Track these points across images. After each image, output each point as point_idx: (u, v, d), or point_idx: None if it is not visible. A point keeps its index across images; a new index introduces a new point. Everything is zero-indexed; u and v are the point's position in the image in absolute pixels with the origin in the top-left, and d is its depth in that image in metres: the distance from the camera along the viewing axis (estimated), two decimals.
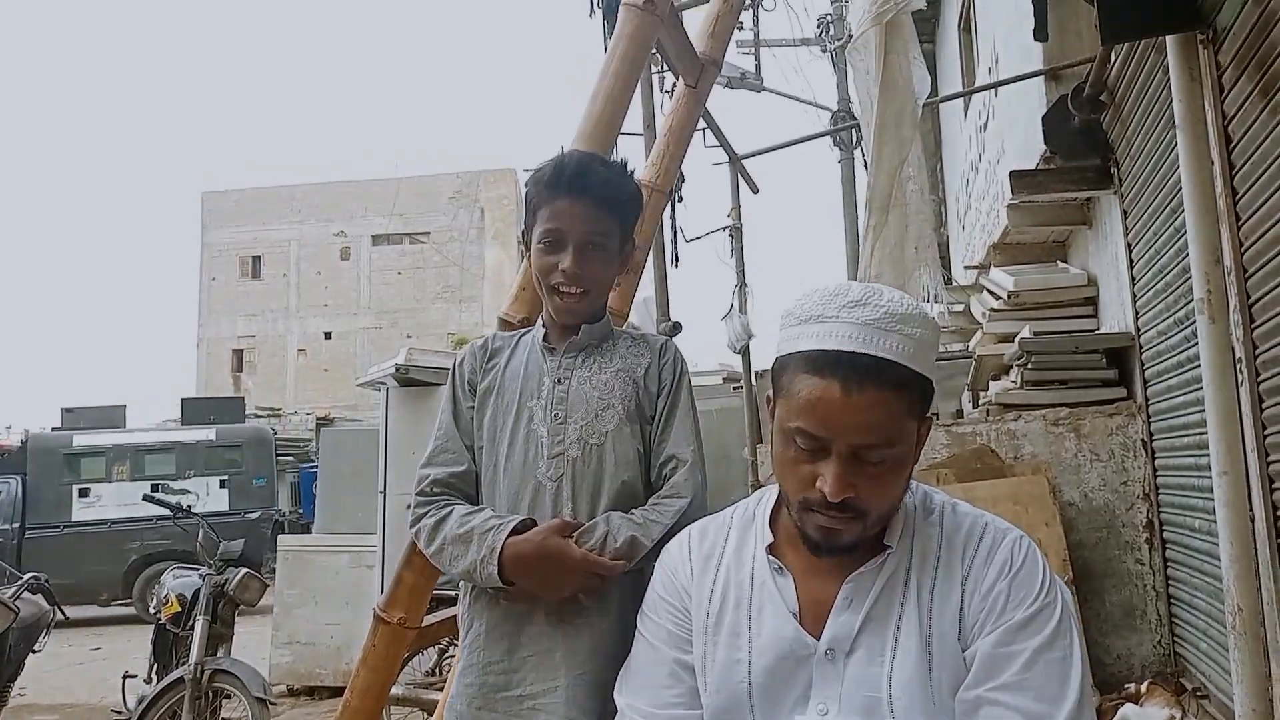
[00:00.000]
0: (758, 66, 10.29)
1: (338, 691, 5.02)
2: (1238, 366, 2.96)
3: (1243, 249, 2.92)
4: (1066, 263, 5.58)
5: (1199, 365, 3.13)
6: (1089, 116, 4.38)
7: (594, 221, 1.64)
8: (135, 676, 4.81)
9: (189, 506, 6.42)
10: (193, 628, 4.24)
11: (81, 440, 12.99)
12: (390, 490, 5.49)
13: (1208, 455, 3.08)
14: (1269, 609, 2.90)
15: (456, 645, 2.70)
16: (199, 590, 4.37)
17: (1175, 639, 4.29)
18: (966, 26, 7.98)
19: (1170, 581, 4.30)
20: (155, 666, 4.74)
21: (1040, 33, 4.62)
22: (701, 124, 5.26)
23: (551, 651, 1.57)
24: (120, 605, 12.06)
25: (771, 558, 1.31)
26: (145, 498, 5.73)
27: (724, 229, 6.93)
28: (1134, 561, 4.38)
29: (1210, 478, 3.07)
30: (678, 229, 6.58)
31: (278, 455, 17.20)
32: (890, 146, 4.18)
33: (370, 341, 30.54)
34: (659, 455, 1.67)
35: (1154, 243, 3.91)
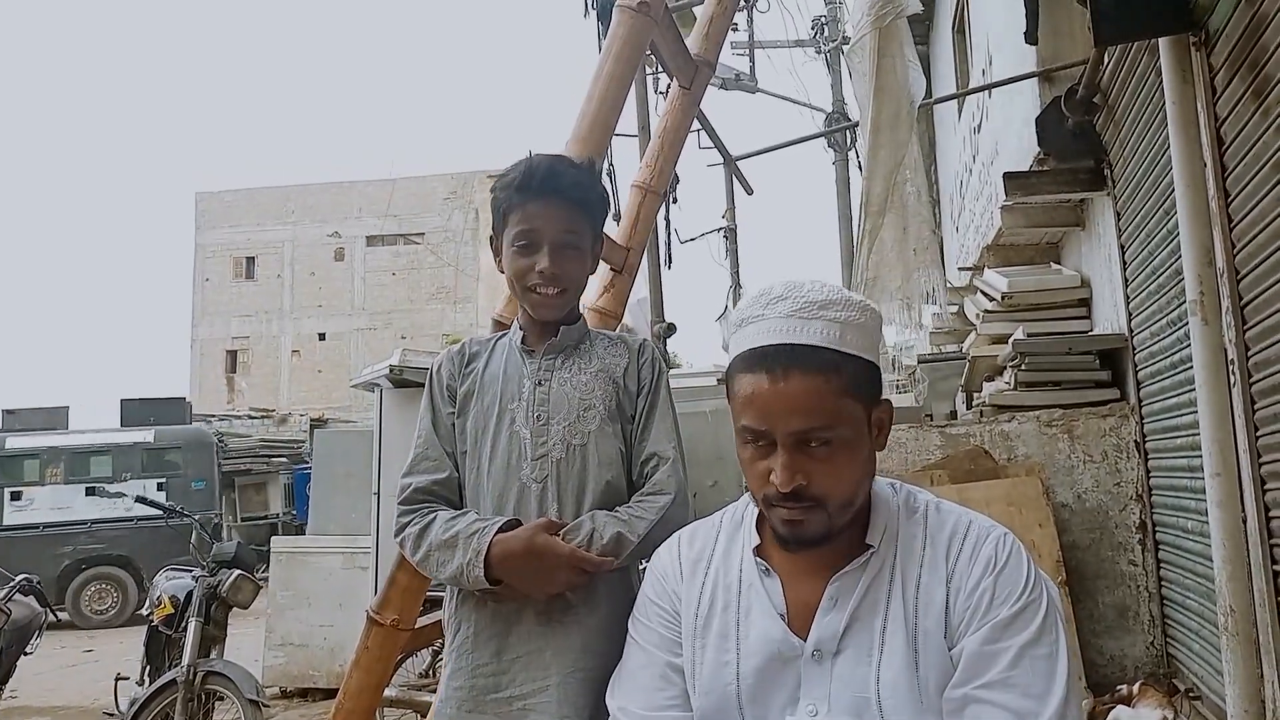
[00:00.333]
0: (752, 68, 10.29)
1: (331, 693, 5.02)
2: (1230, 368, 2.97)
3: (1235, 251, 2.93)
4: (1060, 264, 5.59)
5: (1192, 367, 3.14)
6: (1082, 118, 4.39)
7: (567, 221, 1.66)
8: (127, 678, 4.79)
9: (180, 508, 6.40)
10: (185, 629, 4.22)
11: (16, 442, 12.73)
12: (384, 492, 5.46)
13: (1200, 456, 3.09)
14: (1261, 610, 2.91)
15: None
16: (192, 592, 4.35)
17: (1168, 640, 4.30)
18: (960, 28, 8.00)
19: (1163, 582, 4.31)
20: (148, 668, 4.72)
21: (1031, 35, 4.63)
22: (696, 125, 5.26)
23: (541, 651, 1.57)
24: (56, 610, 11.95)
25: (758, 559, 1.31)
26: (138, 499, 5.70)
27: (718, 230, 6.94)
28: (1127, 562, 4.39)
29: (1203, 479, 3.08)
30: (672, 230, 6.60)
31: (270, 456, 17.16)
32: (886, 150, 4.19)
33: (364, 342, 30.49)
34: (640, 453, 1.68)
35: (1147, 244, 3.92)
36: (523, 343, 1.73)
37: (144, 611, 4.82)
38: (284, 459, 17.20)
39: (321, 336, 31.76)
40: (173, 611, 4.44)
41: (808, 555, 1.28)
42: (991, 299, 5.40)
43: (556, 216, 1.65)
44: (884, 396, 1.29)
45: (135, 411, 14.01)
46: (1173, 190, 3.18)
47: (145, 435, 13.14)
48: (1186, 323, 3.16)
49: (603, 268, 2.48)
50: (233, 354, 32.21)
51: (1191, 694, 3.90)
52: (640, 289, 5.45)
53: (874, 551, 1.26)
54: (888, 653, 1.20)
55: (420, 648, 4.45)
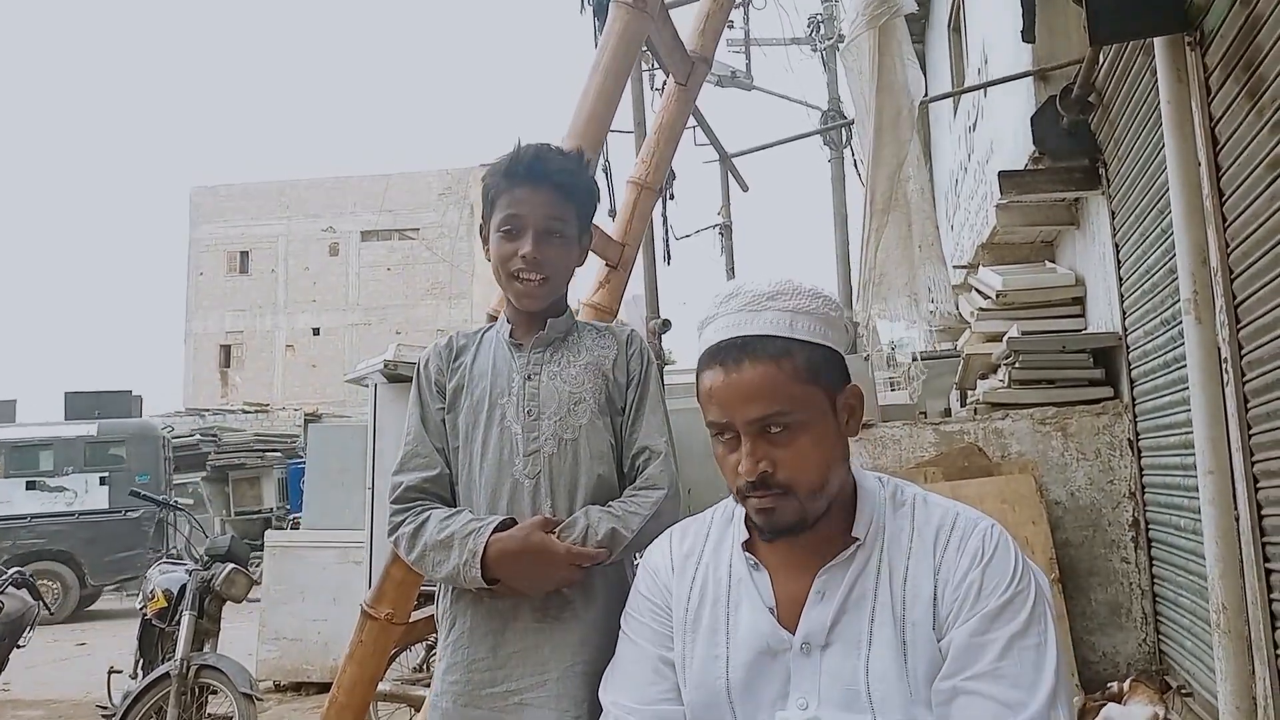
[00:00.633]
0: (748, 65, 10.29)
1: (325, 687, 5.02)
2: (1224, 366, 2.98)
3: (1229, 250, 2.94)
4: (1054, 263, 5.61)
5: (1185, 365, 3.15)
6: (1077, 117, 4.40)
7: (552, 207, 1.65)
8: (121, 672, 4.78)
9: (174, 502, 6.39)
10: (179, 623, 4.21)
11: None
12: (378, 486, 5.46)
13: (1194, 454, 3.10)
14: (1253, 607, 2.92)
15: None
16: (185, 586, 4.34)
17: (1160, 637, 4.31)
18: (956, 27, 8.00)
19: (1156, 580, 4.33)
20: (141, 662, 4.71)
21: (1028, 34, 4.63)
22: (692, 122, 5.26)
23: (539, 647, 1.57)
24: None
25: (747, 554, 1.32)
26: (131, 493, 5.68)
27: (714, 227, 6.95)
28: (1120, 560, 4.41)
29: (1196, 477, 3.09)
30: (668, 227, 6.59)
31: (264, 451, 17.11)
32: (889, 148, 4.20)
33: (359, 338, 30.44)
34: (631, 446, 1.68)
35: (1141, 243, 3.93)
36: (510, 335, 1.72)
37: (137, 605, 4.80)
38: (278, 453, 17.18)
39: (315, 331, 31.70)
40: (166, 605, 4.43)
41: (796, 550, 1.29)
42: (986, 297, 5.41)
43: (541, 202, 1.64)
44: (851, 383, 1.30)
45: (80, 404, 13.79)
46: (1167, 189, 3.19)
47: (89, 429, 12.90)
48: (1180, 321, 3.17)
49: (599, 263, 2.48)
50: (226, 348, 32.14)
51: (1183, 691, 3.92)
52: (635, 285, 5.45)
53: (860, 545, 1.27)
54: (876, 645, 1.21)
55: (414, 642, 4.45)
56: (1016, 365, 4.73)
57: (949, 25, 8.21)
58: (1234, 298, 2.93)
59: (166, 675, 4.04)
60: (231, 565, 4.42)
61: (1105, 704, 3.82)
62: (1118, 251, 4.33)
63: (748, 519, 1.33)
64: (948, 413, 6.29)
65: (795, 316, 1.25)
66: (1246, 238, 2.80)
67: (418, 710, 3.59)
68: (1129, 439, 4.41)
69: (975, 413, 4.96)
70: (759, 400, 1.21)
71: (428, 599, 2.52)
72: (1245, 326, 2.88)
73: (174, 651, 4.16)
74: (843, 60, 4.56)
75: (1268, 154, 2.60)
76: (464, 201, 30.70)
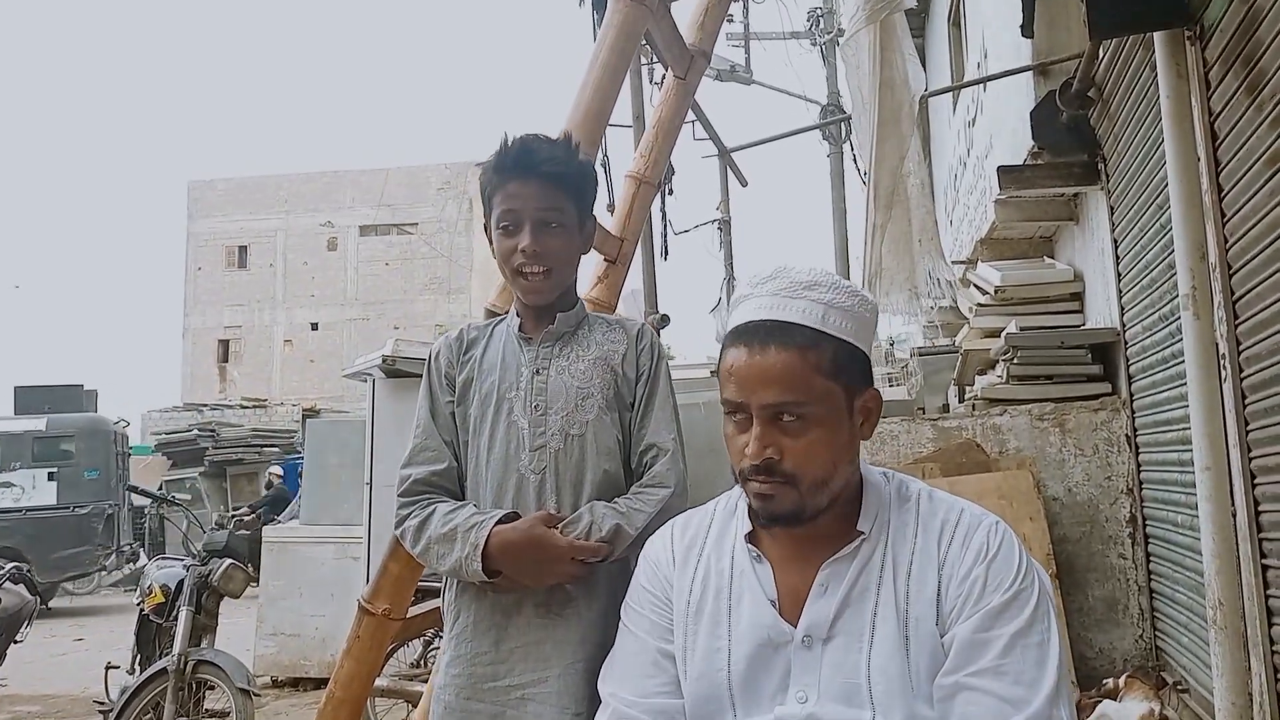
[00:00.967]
0: (747, 59, 10.27)
1: (322, 683, 5.02)
2: (1221, 362, 2.98)
3: (1228, 245, 2.94)
4: (1053, 258, 5.60)
5: (1183, 361, 3.15)
6: (1077, 112, 4.39)
7: (545, 198, 1.63)
8: (118, 667, 4.78)
9: (171, 496, 6.39)
10: (176, 618, 4.21)
11: None
12: (376, 482, 5.45)
13: (1191, 450, 3.10)
14: (1249, 603, 2.92)
15: (442, 637, 2.69)
16: (183, 581, 4.34)
17: (1157, 633, 4.32)
18: (956, 21, 7.99)
19: (1152, 576, 4.33)
20: (138, 657, 4.71)
21: (1027, 29, 4.63)
22: (691, 116, 5.25)
23: (541, 643, 1.57)
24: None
25: (750, 546, 1.32)
26: (128, 488, 5.68)
27: (713, 222, 6.94)
28: (1117, 556, 4.41)
29: (1193, 473, 3.09)
30: (667, 222, 6.59)
31: (261, 446, 17.11)
32: (891, 144, 4.21)
33: (357, 332, 30.41)
34: (639, 443, 1.67)
35: (1140, 239, 3.93)
36: (520, 329, 1.71)
37: (135, 601, 4.81)
38: (276, 449, 17.18)
39: (314, 326, 31.68)
40: (164, 600, 4.43)
41: (799, 542, 1.28)
42: (985, 292, 5.41)
43: (534, 194, 1.62)
44: (873, 386, 1.30)
45: (30, 399, 13.62)
46: (1166, 185, 3.18)
47: (37, 424, 12.77)
48: (1179, 317, 3.17)
49: (597, 258, 2.48)
50: (225, 343, 32.11)
51: (1179, 687, 3.92)
52: (634, 280, 5.45)
53: (865, 538, 1.26)
54: (879, 639, 1.21)
55: (412, 637, 4.45)
56: (1015, 361, 4.73)
57: (949, 20, 8.20)
58: (1232, 293, 2.93)
59: (164, 670, 4.04)
60: (229, 561, 4.42)
61: (1100, 701, 3.83)
62: (1116, 247, 4.32)
63: (753, 510, 1.33)
64: (946, 409, 6.29)
65: (829, 310, 1.24)
66: (1245, 233, 2.79)
67: (415, 705, 3.59)
68: (1127, 435, 4.41)
69: (973, 409, 4.96)
70: (778, 386, 1.21)
71: (425, 594, 2.52)
72: (1244, 322, 2.88)
73: (171, 647, 4.15)
74: (842, 55, 4.56)
75: (1267, 149, 2.60)
76: (463, 196, 30.67)
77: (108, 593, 13.59)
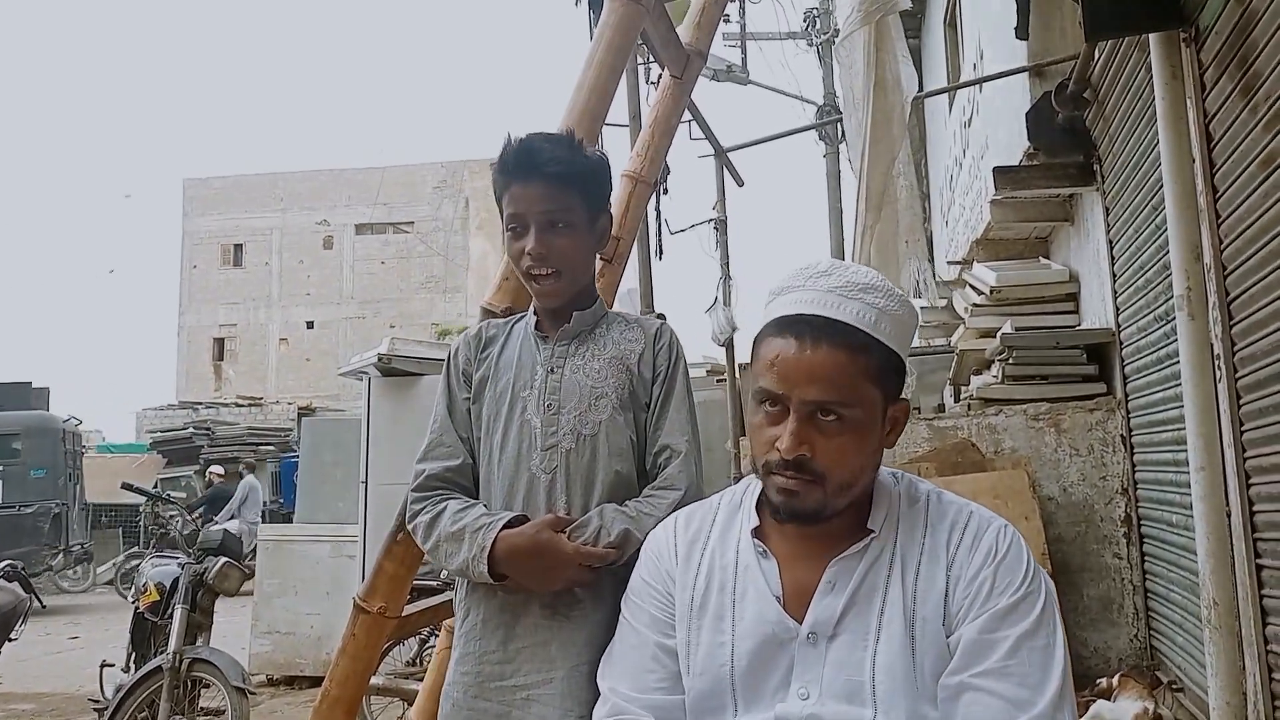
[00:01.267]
0: (744, 59, 10.28)
1: (317, 681, 5.01)
2: (1216, 363, 2.99)
3: (1222, 246, 2.94)
4: (1049, 259, 5.61)
5: (1178, 361, 3.16)
6: (1072, 113, 4.40)
7: (549, 200, 1.61)
8: (113, 665, 4.78)
9: (167, 495, 6.39)
10: (171, 616, 4.21)
11: None
12: (372, 480, 5.46)
13: (1186, 451, 3.11)
14: (1244, 603, 2.93)
15: (437, 635, 2.69)
16: (178, 579, 4.34)
17: (1152, 632, 4.33)
18: (952, 22, 8.00)
19: (1147, 576, 4.34)
20: (133, 655, 4.71)
21: (1022, 31, 4.64)
22: (687, 116, 5.25)
23: (547, 644, 1.56)
24: None
25: (756, 541, 1.31)
26: (123, 485, 5.68)
27: (709, 221, 6.94)
28: (1112, 556, 4.42)
29: (1188, 473, 3.10)
30: (662, 221, 6.58)
31: (256, 445, 17.08)
32: (882, 145, 4.20)
33: (353, 331, 30.39)
34: (653, 444, 1.65)
35: (1135, 239, 3.93)
36: (537, 328, 1.71)
37: (130, 599, 4.80)
38: (271, 447, 17.16)
39: (310, 325, 31.65)
40: (159, 599, 4.43)
41: (806, 539, 1.28)
42: (980, 293, 5.42)
43: (536, 196, 1.61)
44: (905, 398, 1.30)
45: None
46: (1161, 186, 3.19)
47: None
48: (1173, 318, 3.18)
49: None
50: (220, 342, 32.08)
51: (1174, 686, 3.93)
52: (629, 279, 5.44)
53: (874, 537, 1.26)
54: (885, 638, 1.21)
55: (407, 636, 4.45)
56: (1010, 361, 4.74)
57: (945, 21, 8.21)
58: (1227, 294, 2.94)
59: (159, 669, 4.03)
60: (224, 559, 4.41)
61: (1093, 700, 3.83)
62: (1112, 247, 4.33)
63: (761, 499, 1.32)
64: (941, 408, 6.30)
65: (881, 316, 1.23)
66: (1240, 234, 2.80)
67: (410, 704, 3.59)
68: (1122, 435, 4.42)
69: (969, 408, 4.96)
70: (824, 384, 1.20)
71: (421, 593, 2.52)
72: (1238, 323, 2.89)
73: (167, 645, 4.15)
74: (836, 55, 4.56)
75: (1261, 150, 2.60)
76: (459, 195, 30.65)
77: (103, 590, 13.56)
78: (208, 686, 4.16)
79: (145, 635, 4.65)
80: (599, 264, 2.46)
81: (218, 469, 14.16)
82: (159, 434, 18.46)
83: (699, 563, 1.35)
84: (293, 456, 14.43)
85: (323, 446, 7.02)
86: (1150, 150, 3.52)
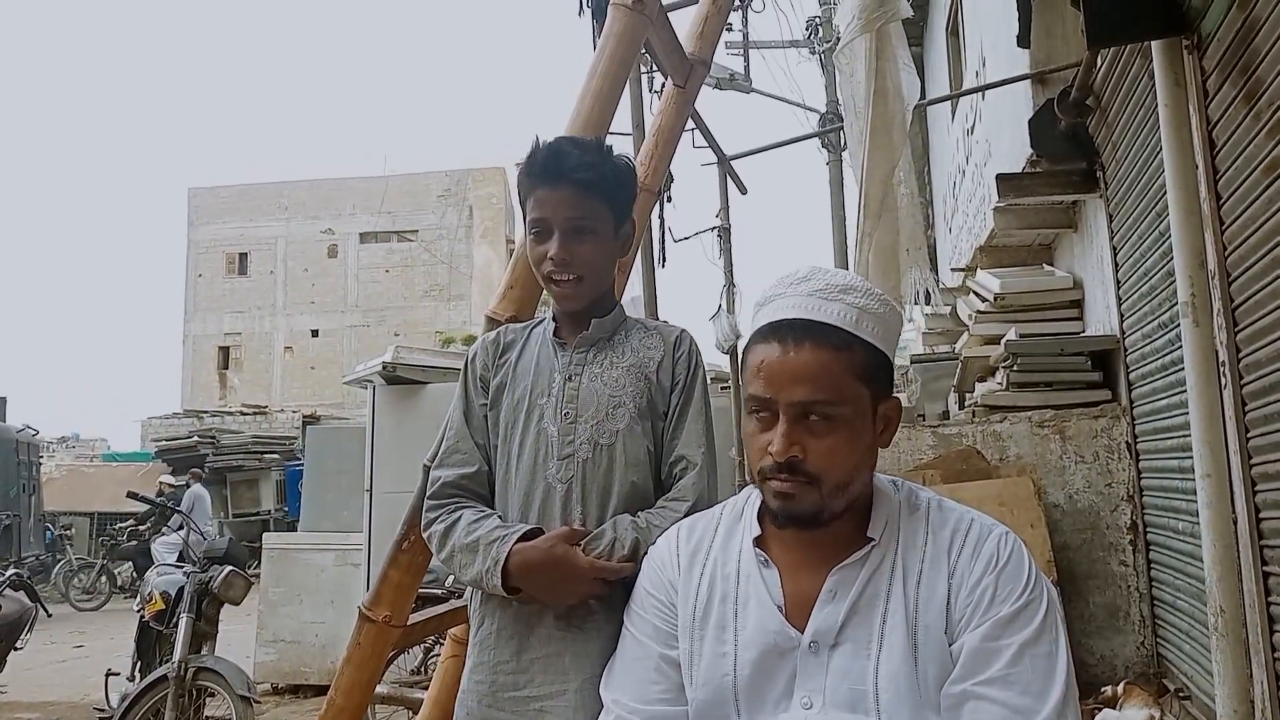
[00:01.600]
0: (746, 68, 10.32)
1: (322, 690, 5.02)
2: (1221, 370, 2.98)
3: (1226, 253, 2.94)
4: (1052, 266, 5.61)
5: (1183, 368, 3.15)
6: (1075, 120, 4.40)
7: (575, 206, 1.60)
8: (118, 674, 4.79)
9: (170, 503, 6.40)
10: (176, 625, 4.22)
11: None
12: (376, 488, 5.46)
13: (1191, 458, 3.10)
14: (1251, 610, 2.92)
15: (442, 644, 2.69)
16: (183, 588, 4.34)
17: (1158, 640, 4.31)
18: (954, 30, 8.01)
19: (1154, 583, 4.33)
20: (139, 664, 4.72)
21: (1023, 39, 4.64)
22: (690, 125, 5.26)
23: (560, 655, 1.55)
24: None
25: (758, 550, 1.31)
26: (129, 495, 5.68)
27: (712, 229, 6.95)
28: (1118, 563, 4.41)
29: (1194, 480, 3.09)
30: (666, 229, 6.59)
31: (261, 453, 17.08)
32: (882, 153, 4.20)
33: (357, 339, 30.44)
34: (670, 454, 1.64)
35: (1139, 246, 3.93)
36: (556, 335, 1.69)
37: (135, 608, 4.81)
38: (276, 455, 17.16)
39: (314, 333, 31.70)
40: (164, 608, 4.44)
41: (808, 548, 1.28)
42: (984, 300, 5.41)
43: (563, 202, 1.60)
44: (895, 395, 1.30)
45: None
46: (1165, 193, 3.19)
47: None
48: (1178, 324, 3.17)
49: None
50: (225, 350, 32.13)
51: (1181, 694, 3.91)
52: (633, 287, 5.45)
53: (875, 545, 1.26)
54: (887, 646, 1.21)
55: (412, 644, 4.45)
56: (1014, 368, 4.74)
57: (947, 29, 8.22)
58: (1231, 301, 2.93)
59: (164, 677, 4.04)
60: (229, 568, 4.42)
61: (1099, 709, 3.82)
62: (1115, 254, 4.33)
63: (762, 507, 1.32)
64: (946, 415, 6.30)
65: (862, 315, 1.25)
66: (1244, 241, 2.80)
67: (415, 713, 3.59)
68: (1127, 442, 4.41)
69: (973, 415, 4.96)
70: (810, 384, 1.21)
71: (426, 602, 2.52)
72: (1243, 330, 2.88)
73: (172, 654, 4.16)
74: (836, 63, 4.57)
75: (1265, 157, 2.60)
76: (463, 203, 30.71)
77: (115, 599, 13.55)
78: (213, 695, 4.16)
79: (150, 644, 4.66)
80: None
81: (168, 478, 14.14)
82: (164, 442, 18.47)
83: (701, 573, 1.35)
84: (297, 465, 14.42)
85: (327, 455, 7.02)
86: (1153, 157, 3.52)
